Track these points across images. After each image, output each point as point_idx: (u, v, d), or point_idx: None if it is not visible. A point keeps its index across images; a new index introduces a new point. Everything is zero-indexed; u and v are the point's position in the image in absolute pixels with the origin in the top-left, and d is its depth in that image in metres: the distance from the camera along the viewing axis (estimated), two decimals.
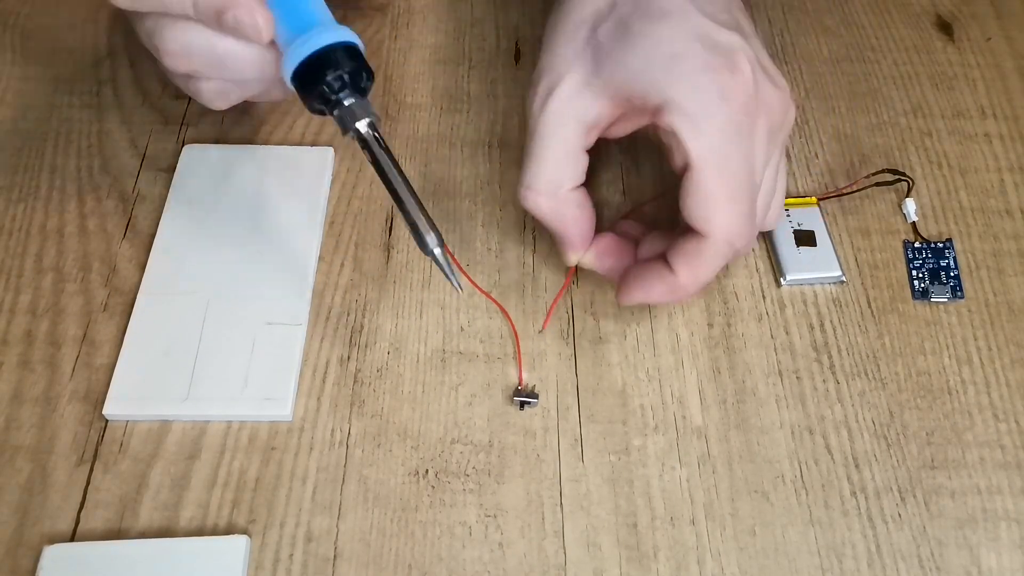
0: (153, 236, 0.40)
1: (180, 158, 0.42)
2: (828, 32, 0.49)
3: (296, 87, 0.32)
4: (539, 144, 0.35)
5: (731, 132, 0.32)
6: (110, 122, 0.44)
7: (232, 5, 0.31)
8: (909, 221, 0.41)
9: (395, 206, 0.33)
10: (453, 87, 0.46)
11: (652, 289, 0.35)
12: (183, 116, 0.44)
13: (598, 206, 0.41)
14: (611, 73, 0.33)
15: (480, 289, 0.38)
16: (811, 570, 0.33)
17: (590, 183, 0.37)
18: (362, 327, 0.38)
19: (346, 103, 0.32)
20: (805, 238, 0.40)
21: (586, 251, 0.37)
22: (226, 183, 0.41)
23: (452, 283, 0.34)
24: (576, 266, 0.38)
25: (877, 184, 0.42)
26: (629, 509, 0.34)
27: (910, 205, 0.41)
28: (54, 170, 0.42)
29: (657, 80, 0.32)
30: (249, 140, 0.43)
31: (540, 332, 0.37)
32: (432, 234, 0.33)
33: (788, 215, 0.40)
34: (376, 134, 0.33)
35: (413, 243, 0.40)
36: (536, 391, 0.36)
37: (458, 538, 0.33)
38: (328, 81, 0.31)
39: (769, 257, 0.40)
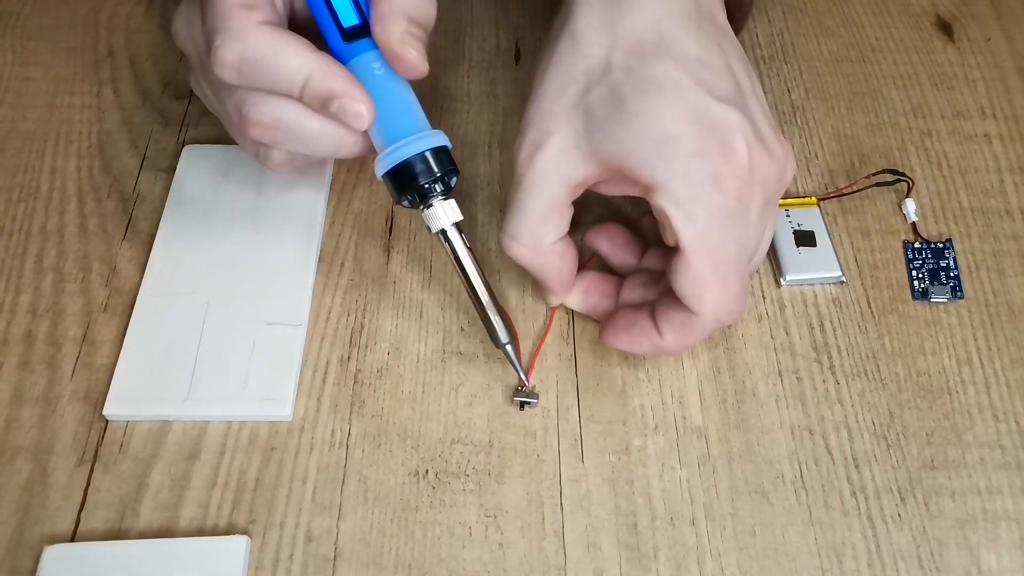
0: (153, 236, 0.40)
1: (180, 158, 0.42)
2: (828, 32, 0.49)
3: (389, 182, 0.34)
4: (523, 197, 0.34)
5: (723, 218, 0.32)
6: (110, 122, 0.44)
7: (341, 94, 0.32)
8: (909, 221, 0.41)
9: (470, 299, 0.35)
10: (453, 87, 0.46)
11: (637, 342, 0.35)
12: (183, 116, 0.44)
13: (595, 206, 0.41)
14: (601, 143, 0.33)
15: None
16: (811, 570, 0.33)
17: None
18: (362, 327, 0.38)
19: (435, 204, 0.34)
20: (805, 238, 0.40)
21: (568, 294, 0.38)
22: (226, 183, 0.41)
23: (519, 375, 0.36)
24: (557, 307, 0.38)
25: (877, 184, 0.42)
26: (629, 509, 0.34)
27: (910, 205, 0.41)
28: (54, 170, 0.42)
29: (648, 160, 0.32)
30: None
31: (523, 388, 0.36)
32: (504, 330, 0.35)
33: (788, 215, 0.41)
34: (461, 235, 0.34)
35: (413, 243, 0.40)
36: (536, 391, 0.36)
37: (458, 538, 0.33)
38: (422, 185, 0.33)
39: (769, 257, 0.40)
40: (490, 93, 0.46)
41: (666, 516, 0.34)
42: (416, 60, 0.33)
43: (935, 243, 0.41)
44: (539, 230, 0.34)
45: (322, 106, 0.33)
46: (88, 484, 0.34)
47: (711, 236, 0.31)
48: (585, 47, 0.34)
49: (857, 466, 0.35)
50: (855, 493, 0.34)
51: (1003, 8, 0.50)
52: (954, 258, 0.40)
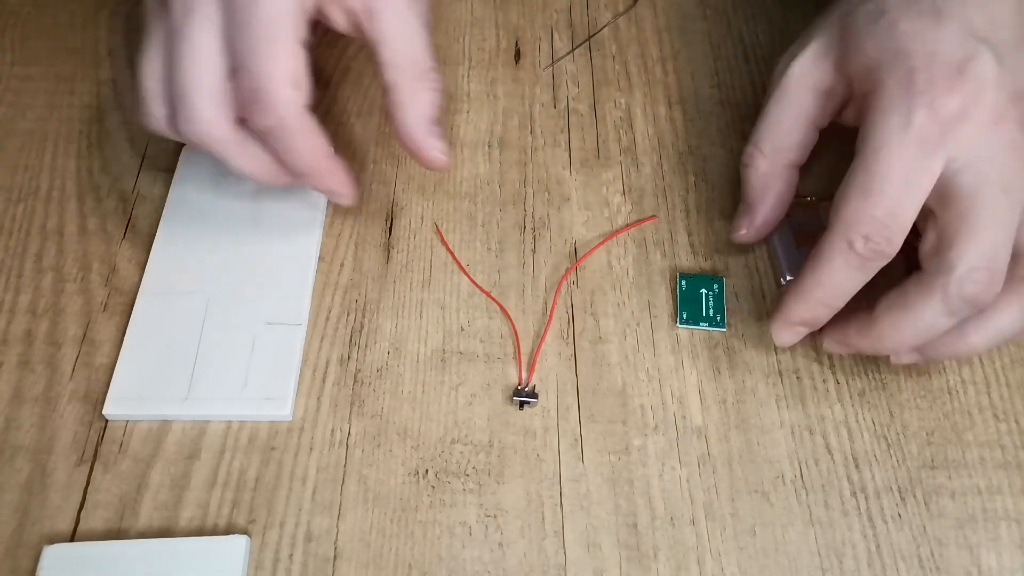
0: (153, 236, 0.40)
1: (180, 158, 0.42)
2: None
3: None
4: (773, 106, 0.35)
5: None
6: (110, 122, 0.44)
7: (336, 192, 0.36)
8: None
9: None
10: (453, 87, 0.46)
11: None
12: None
13: (597, 206, 0.41)
14: (854, 49, 0.33)
15: (480, 288, 0.38)
16: (811, 570, 0.33)
17: (592, 184, 0.37)
18: (362, 327, 0.38)
19: None
20: (805, 238, 0.40)
21: (759, 232, 0.38)
22: (226, 183, 0.41)
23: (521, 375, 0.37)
24: (561, 286, 0.38)
25: None
26: (629, 509, 0.34)
27: None
28: (54, 170, 0.42)
29: (892, 72, 0.31)
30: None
31: (525, 386, 0.37)
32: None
33: (788, 215, 0.40)
34: None
35: (413, 243, 0.40)
36: (536, 391, 0.36)
37: (458, 538, 0.33)
38: None
39: (769, 257, 0.40)
40: (490, 93, 0.46)
41: (666, 516, 0.34)
42: (445, 164, 0.37)
43: None
44: (782, 142, 0.35)
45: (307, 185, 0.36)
46: (88, 484, 0.34)
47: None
48: None
49: (857, 466, 0.35)
50: (855, 493, 0.34)
51: None
52: None
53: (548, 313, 0.38)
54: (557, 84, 0.46)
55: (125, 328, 0.37)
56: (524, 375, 0.36)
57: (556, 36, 0.48)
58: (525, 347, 0.38)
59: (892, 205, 0.31)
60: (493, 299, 0.39)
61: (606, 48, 0.47)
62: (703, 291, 0.39)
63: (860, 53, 0.32)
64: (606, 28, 0.48)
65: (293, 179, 0.36)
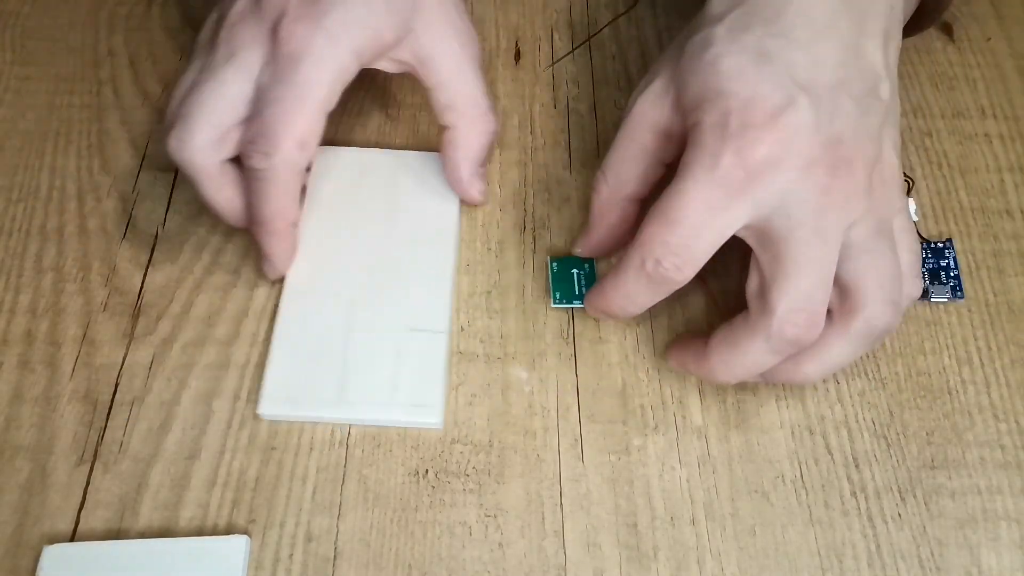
0: (153, 236, 0.40)
1: (315, 159, 0.41)
2: None
3: None
4: (619, 140, 0.35)
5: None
6: (110, 122, 0.44)
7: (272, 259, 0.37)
8: None
9: None
10: None
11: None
12: None
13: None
14: (682, 85, 0.33)
15: None
16: (811, 570, 0.33)
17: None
18: None
19: None
20: None
21: (592, 252, 0.39)
22: (361, 185, 0.41)
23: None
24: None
25: None
26: (629, 509, 0.34)
27: (910, 205, 0.41)
28: (54, 170, 0.42)
29: (701, 105, 0.31)
30: (375, 143, 0.43)
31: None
32: None
33: None
34: None
35: None
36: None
37: (458, 538, 0.33)
38: None
39: None
40: (490, 93, 0.46)
41: (666, 516, 0.34)
42: (481, 202, 0.40)
43: (935, 243, 0.41)
44: (624, 175, 0.35)
45: (253, 235, 0.37)
46: (88, 484, 0.34)
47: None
48: (712, 7, 0.34)
49: (857, 466, 0.35)
50: (855, 493, 0.34)
51: (1003, 8, 0.50)
52: (954, 258, 0.40)
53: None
54: (557, 84, 0.46)
55: (125, 328, 0.37)
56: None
57: (556, 36, 0.48)
58: (525, 347, 0.38)
59: (686, 237, 0.31)
60: None
61: (606, 48, 0.47)
62: (574, 271, 0.39)
63: (688, 89, 0.32)
64: (606, 28, 0.48)
65: (246, 224, 0.37)
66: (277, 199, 0.35)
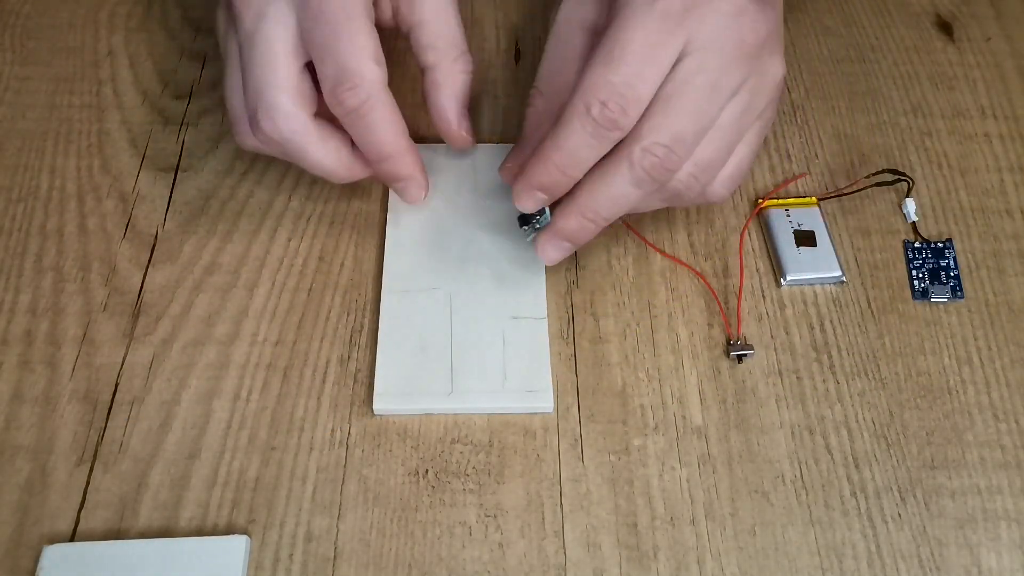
0: (154, 236, 0.40)
1: None
2: (828, 32, 0.49)
3: None
4: (548, 49, 0.36)
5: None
6: (110, 122, 0.44)
7: (407, 177, 0.38)
8: (909, 221, 0.41)
9: None
10: None
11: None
12: (183, 116, 0.44)
13: None
14: None
15: (681, 261, 0.40)
16: (811, 570, 0.33)
17: None
18: (362, 327, 0.38)
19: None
20: (805, 238, 0.40)
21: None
22: (443, 181, 0.41)
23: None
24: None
25: (877, 184, 0.42)
26: (629, 509, 0.34)
27: (910, 205, 0.41)
28: (54, 170, 0.42)
29: None
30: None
31: (736, 342, 0.38)
32: None
33: (788, 215, 0.41)
34: None
35: None
36: (749, 342, 0.37)
37: (458, 538, 0.33)
38: None
39: (769, 257, 0.40)
40: (490, 93, 0.46)
41: (666, 516, 0.34)
42: (471, 144, 0.40)
43: (935, 243, 0.41)
44: (559, 82, 0.36)
45: (382, 175, 0.37)
46: (88, 484, 0.34)
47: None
48: None
49: (857, 466, 0.35)
50: (855, 493, 0.34)
51: (1003, 8, 0.50)
52: (954, 258, 0.40)
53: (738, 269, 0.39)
54: None
55: (125, 328, 0.37)
56: (734, 330, 0.37)
57: None
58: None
59: (630, 74, 0.31)
60: (695, 271, 0.39)
61: None
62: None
63: None
64: None
65: (368, 170, 0.37)
66: (387, 122, 0.35)
